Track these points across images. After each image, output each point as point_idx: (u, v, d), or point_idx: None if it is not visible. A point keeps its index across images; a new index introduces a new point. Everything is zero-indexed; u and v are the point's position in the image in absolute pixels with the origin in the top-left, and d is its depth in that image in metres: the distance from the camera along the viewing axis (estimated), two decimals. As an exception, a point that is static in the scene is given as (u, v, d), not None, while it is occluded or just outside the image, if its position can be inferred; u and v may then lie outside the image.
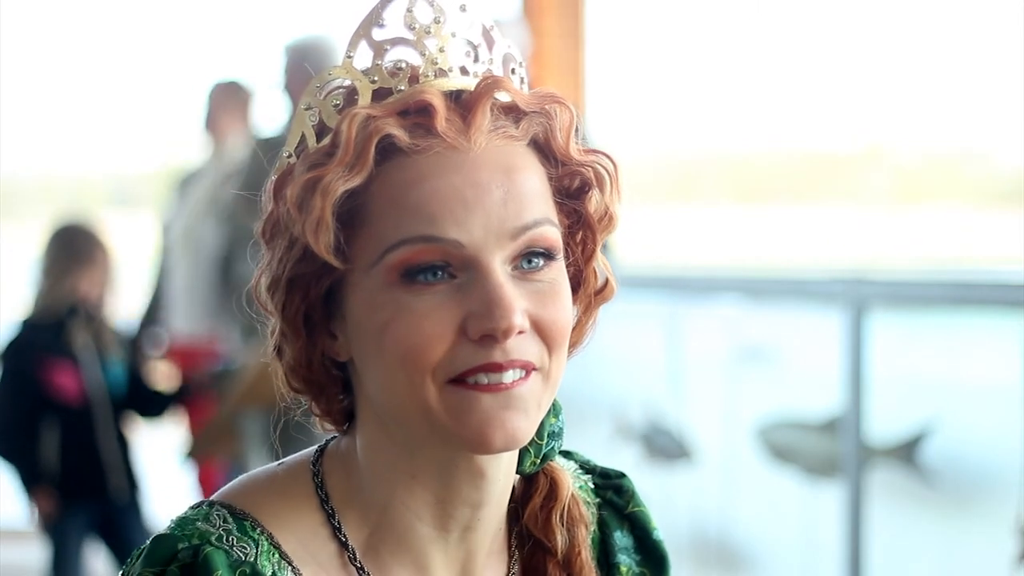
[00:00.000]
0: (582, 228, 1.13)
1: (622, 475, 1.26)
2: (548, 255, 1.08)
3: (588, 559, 1.19)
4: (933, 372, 3.46)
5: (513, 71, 1.12)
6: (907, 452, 3.27)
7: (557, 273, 1.09)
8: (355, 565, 1.11)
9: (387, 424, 1.10)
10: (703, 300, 4.00)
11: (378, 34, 1.09)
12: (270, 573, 1.08)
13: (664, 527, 1.26)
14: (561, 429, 1.19)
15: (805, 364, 3.81)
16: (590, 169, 1.11)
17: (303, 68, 4.09)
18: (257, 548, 1.09)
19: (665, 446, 4.05)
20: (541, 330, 1.07)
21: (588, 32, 5.54)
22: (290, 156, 1.10)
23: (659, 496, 3.81)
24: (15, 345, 4.41)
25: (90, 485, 4.36)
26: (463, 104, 1.08)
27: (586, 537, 1.20)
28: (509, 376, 1.05)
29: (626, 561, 1.24)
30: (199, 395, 4.75)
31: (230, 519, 1.10)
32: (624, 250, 4.70)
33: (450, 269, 1.05)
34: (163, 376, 4.86)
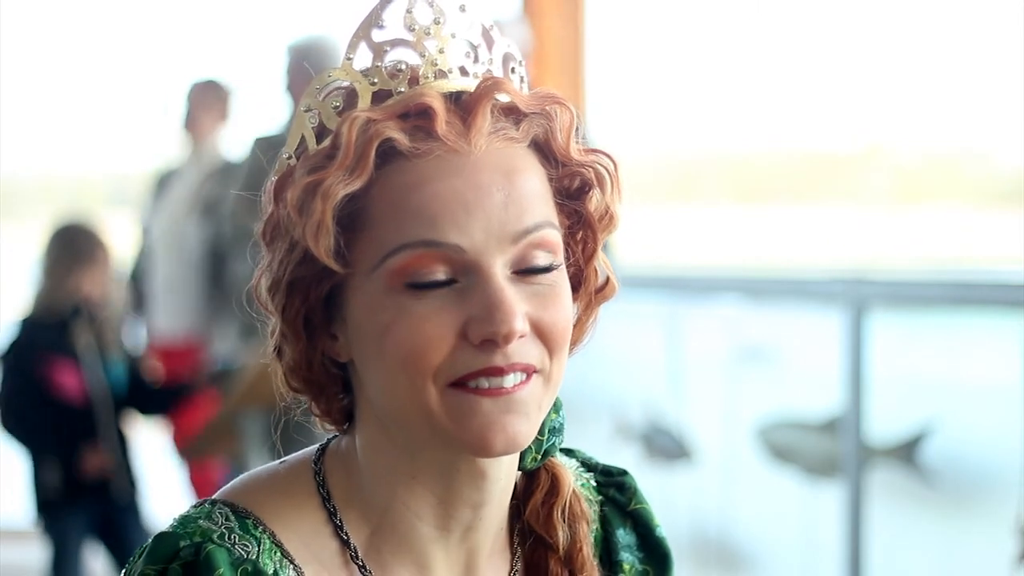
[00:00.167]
0: (583, 228, 1.13)
1: (624, 472, 1.26)
2: (548, 265, 1.08)
3: (589, 555, 1.19)
4: (933, 372, 3.46)
5: (513, 71, 1.12)
6: (907, 452, 3.27)
7: (557, 276, 1.08)
8: (357, 563, 1.11)
9: (387, 426, 1.10)
10: (703, 300, 4.01)
11: (378, 35, 1.09)
12: (272, 571, 1.08)
13: (664, 527, 1.26)
14: (562, 425, 1.19)
15: (805, 364, 3.81)
16: (590, 169, 1.11)
17: (305, 68, 4.10)
18: (259, 546, 1.08)
19: (665, 446, 4.05)
20: (542, 333, 1.07)
21: (588, 32, 5.54)
22: (290, 158, 1.10)
23: (659, 496, 3.80)
24: (18, 344, 4.42)
25: (92, 485, 4.37)
26: (463, 106, 1.08)
27: (588, 533, 1.20)
28: (510, 380, 1.05)
29: (629, 559, 1.24)
30: (196, 394, 4.76)
31: (232, 517, 1.10)
32: (624, 250, 4.70)
33: (451, 275, 1.05)
34: (156, 374, 4.86)
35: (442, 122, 1.06)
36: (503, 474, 1.13)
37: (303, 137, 1.09)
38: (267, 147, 4.14)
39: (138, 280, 5.41)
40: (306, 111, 1.10)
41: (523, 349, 1.06)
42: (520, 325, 1.04)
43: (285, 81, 4.32)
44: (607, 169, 1.12)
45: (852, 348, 3.26)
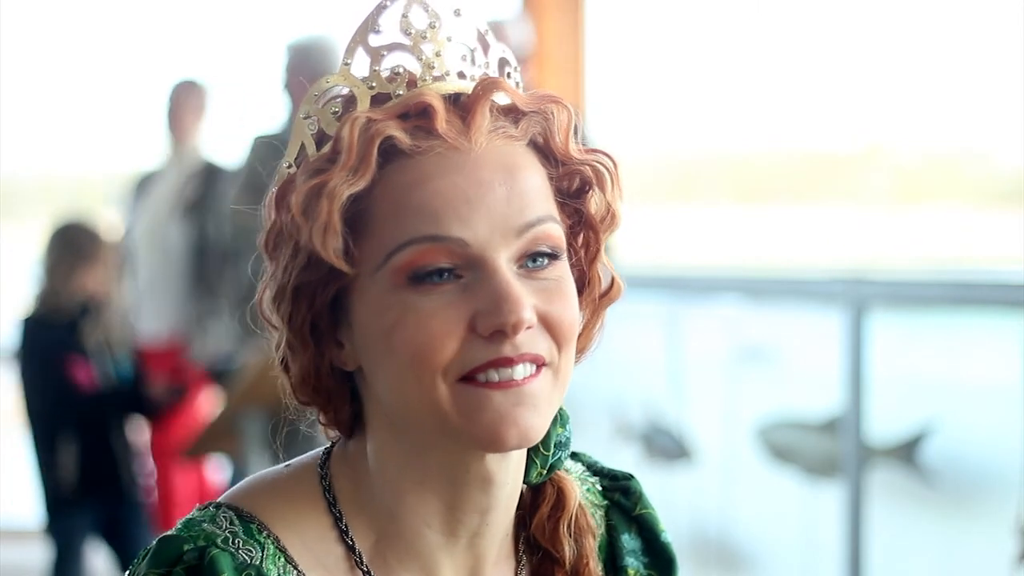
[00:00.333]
0: (584, 228, 1.14)
1: (630, 477, 1.26)
2: (552, 254, 1.08)
3: (596, 569, 1.19)
4: (933, 372, 3.46)
5: (509, 75, 1.13)
6: (907, 452, 3.27)
7: (562, 271, 1.09)
8: (362, 569, 1.11)
9: (398, 428, 1.10)
10: (703, 300, 4.01)
11: (374, 40, 1.09)
12: (275, 577, 1.08)
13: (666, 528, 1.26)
14: (568, 439, 1.18)
15: (805, 364, 3.81)
16: (590, 168, 1.12)
17: (304, 68, 4.10)
18: (263, 551, 1.08)
19: (665, 446, 4.05)
20: (549, 326, 1.07)
21: (588, 32, 5.54)
22: (290, 167, 1.10)
23: (659, 496, 3.80)
24: (33, 342, 4.44)
25: (103, 483, 4.39)
26: (462, 106, 1.08)
27: (594, 547, 1.20)
28: (520, 372, 1.05)
29: (634, 564, 1.24)
30: (183, 396, 4.78)
31: (236, 521, 1.09)
32: (624, 250, 4.70)
33: (456, 270, 1.05)
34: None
35: (442, 120, 1.06)
36: (510, 478, 1.12)
37: (303, 144, 1.10)
38: (266, 146, 4.15)
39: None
40: (305, 118, 1.10)
41: (532, 340, 1.06)
42: (528, 315, 1.04)
43: (284, 80, 4.32)
44: (607, 168, 1.12)
45: (852, 348, 3.26)
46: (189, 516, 1.11)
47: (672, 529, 1.26)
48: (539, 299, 1.06)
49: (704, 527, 3.95)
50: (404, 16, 1.09)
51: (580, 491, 1.22)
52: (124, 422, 4.48)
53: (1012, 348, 3.17)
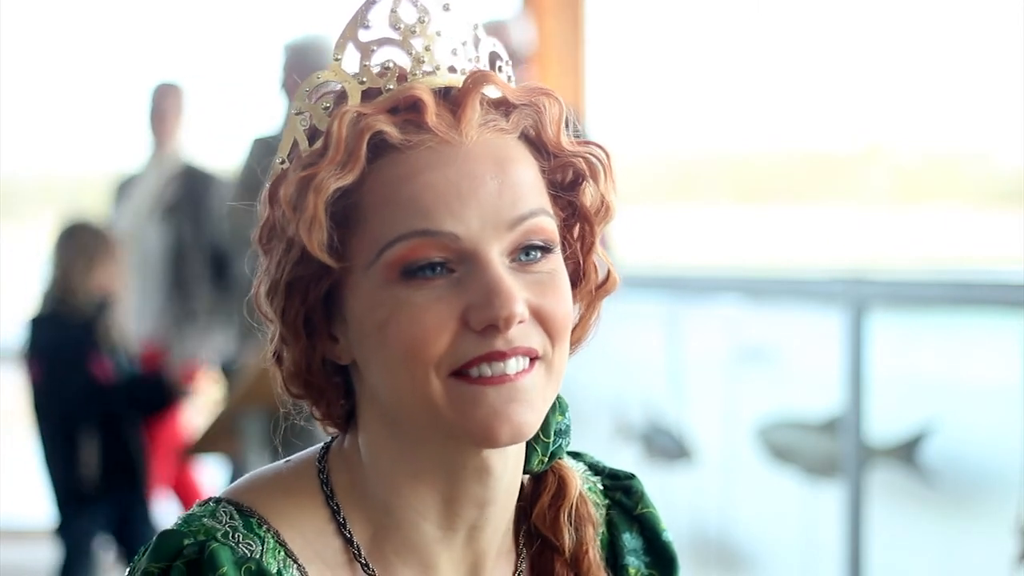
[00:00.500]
0: (579, 220, 1.13)
1: (631, 476, 1.26)
2: (545, 247, 1.08)
3: (596, 558, 1.19)
4: (933, 372, 3.45)
5: (500, 69, 1.13)
6: (907, 452, 3.27)
7: (556, 264, 1.09)
8: (360, 562, 1.11)
9: (391, 422, 1.10)
10: (703, 300, 4.00)
11: (364, 35, 1.09)
12: (275, 571, 1.08)
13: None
14: (568, 427, 1.18)
15: (805, 364, 3.81)
16: (582, 160, 1.11)
17: (302, 67, 4.10)
18: (263, 545, 1.09)
19: (665, 446, 4.04)
20: (542, 319, 1.07)
21: (588, 32, 5.54)
22: (283, 162, 1.11)
23: (659, 496, 3.79)
24: (46, 343, 4.45)
25: (118, 481, 4.41)
26: (452, 100, 1.08)
27: (594, 536, 1.20)
28: (513, 366, 1.05)
29: (635, 563, 1.23)
30: (174, 398, 4.79)
31: (236, 516, 1.10)
32: (624, 250, 4.70)
33: (448, 264, 1.05)
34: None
35: (432, 114, 1.06)
36: (508, 471, 1.12)
37: (295, 140, 1.10)
38: (264, 147, 4.15)
39: None
40: (297, 114, 1.10)
41: (525, 334, 1.05)
42: (520, 309, 1.04)
43: (281, 80, 4.32)
44: (599, 159, 1.12)
45: (852, 348, 3.26)
46: (189, 511, 1.11)
47: (672, 529, 1.25)
48: (532, 293, 1.06)
49: (704, 527, 3.95)
50: (393, 11, 1.09)
51: (581, 483, 1.22)
52: (140, 418, 4.50)
53: (1012, 348, 3.17)
